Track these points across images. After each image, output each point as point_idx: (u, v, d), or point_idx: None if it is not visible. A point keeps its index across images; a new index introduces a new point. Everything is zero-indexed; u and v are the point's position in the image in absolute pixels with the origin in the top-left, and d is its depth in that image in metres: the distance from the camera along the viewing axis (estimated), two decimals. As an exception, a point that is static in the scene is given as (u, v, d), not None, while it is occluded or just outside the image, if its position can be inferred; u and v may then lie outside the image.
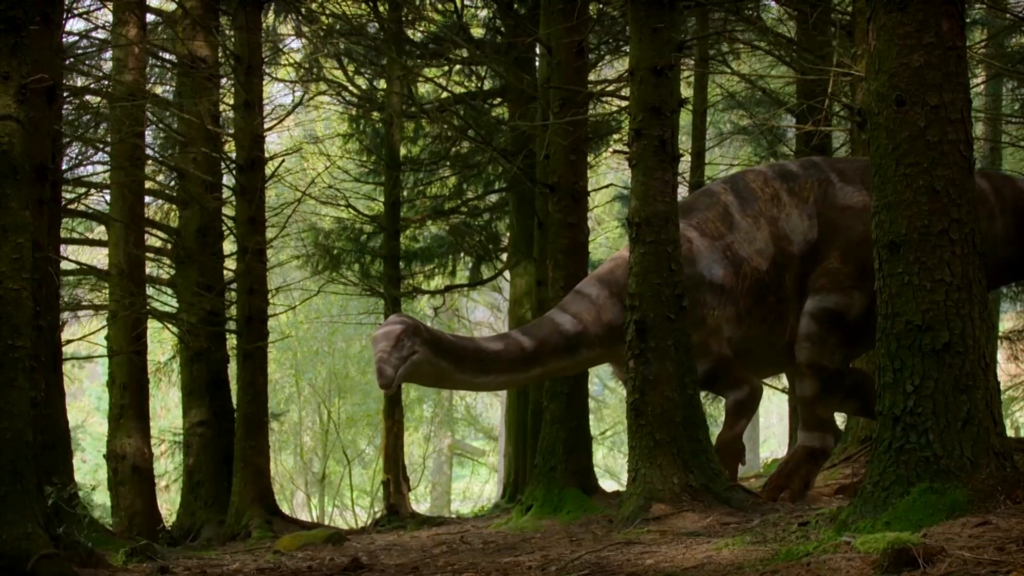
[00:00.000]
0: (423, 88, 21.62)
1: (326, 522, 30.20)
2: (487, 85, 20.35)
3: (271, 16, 19.61)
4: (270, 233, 17.39)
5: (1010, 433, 18.00)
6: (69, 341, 16.42)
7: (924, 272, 7.34)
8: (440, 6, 20.04)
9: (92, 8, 19.79)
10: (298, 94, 21.77)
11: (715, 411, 22.90)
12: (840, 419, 18.10)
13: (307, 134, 27.37)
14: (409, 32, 19.95)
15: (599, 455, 35.59)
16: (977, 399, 7.23)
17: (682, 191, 16.36)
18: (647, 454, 10.41)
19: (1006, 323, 22.74)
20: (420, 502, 35.61)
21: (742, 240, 11.16)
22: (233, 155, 17.08)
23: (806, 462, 11.42)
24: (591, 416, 16.63)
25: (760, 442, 33.08)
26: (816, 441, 11.38)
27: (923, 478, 7.19)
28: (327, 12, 19.19)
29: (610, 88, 19.26)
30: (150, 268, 19.56)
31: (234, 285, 17.27)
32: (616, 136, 19.74)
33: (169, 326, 19.53)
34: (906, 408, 7.29)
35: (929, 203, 7.36)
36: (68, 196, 18.29)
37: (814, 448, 11.41)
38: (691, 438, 10.62)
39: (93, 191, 19.83)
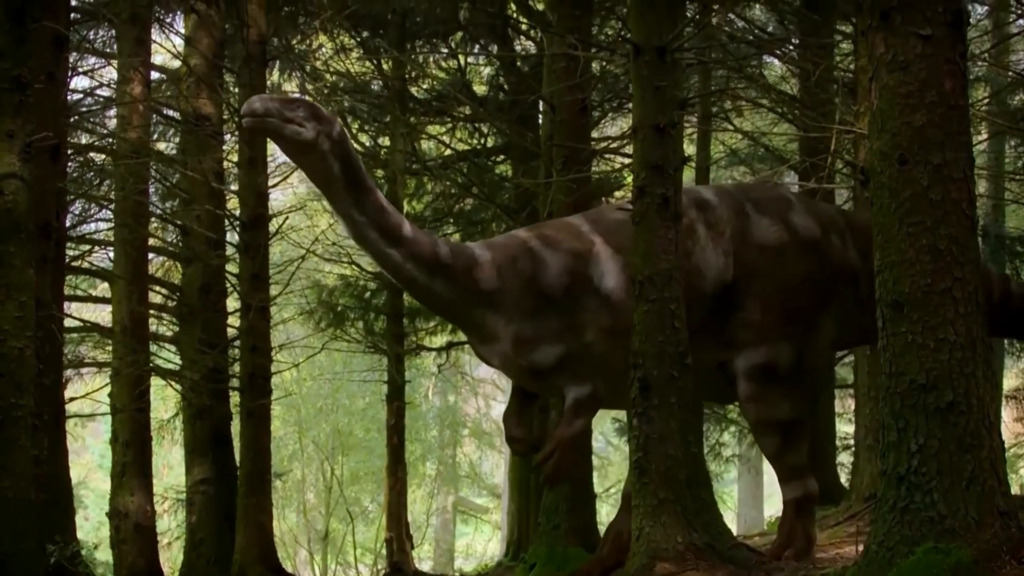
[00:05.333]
0: (426, 145, 21.67)
1: (329, 580, 30.12)
2: (490, 142, 20.40)
3: (275, 73, 19.69)
4: (274, 290, 17.37)
5: (1015, 490, 17.99)
6: (72, 399, 16.41)
7: (928, 331, 7.34)
8: (444, 64, 20.12)
9: (97, 66, 19.89)
10: (302, 151, 21.76)
11: (717, 467, 22.84)
12: (844, 478, 18.06)
13: (311, 191, 27.40)
14: (413, 90, 20.01)
15: (603, 512, 35.45)
16: (982, 458, 7.22)
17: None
18: (651, 512, 10.36)
19: (1010, 381, 22.70)
20: (423, 560, 35.48)
21: None
22: (237, 212, 17.10)
23: (799, 515, 11.28)
24: (595, 473, 16.59)
25: (764, 498, 32.92)
26: (798, 491, 11.22)
27: (928, 538, 7.17)
28: (331, 70, 19.26)
29: (613, 145, 19.29)
30: (153, 325, 19.56)
31: (237, 342, 17.24)
32: (619, 193, 19.76)
33: (172, 383, 19.50)
34: (910, 467, 7.28)
35: (932, 262, 7.36)
36: (72, 253, 18.32)
37: (798, 498, 11.26)
38: (695, 496, 10.58)
39: (97, 248, 19.85)
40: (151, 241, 18.96)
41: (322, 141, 9.99)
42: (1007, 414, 19.25)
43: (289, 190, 26.34)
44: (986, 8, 20.28)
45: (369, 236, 10.56)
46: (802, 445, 11.11)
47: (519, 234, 11.46)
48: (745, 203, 11.05)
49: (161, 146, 20.49)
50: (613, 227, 11.10)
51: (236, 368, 17.36)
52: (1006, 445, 7.91)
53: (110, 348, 18.51)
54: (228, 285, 18.15)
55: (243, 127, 10.12)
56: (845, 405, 21.20)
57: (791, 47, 17.75)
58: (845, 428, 20.50)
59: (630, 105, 13.48)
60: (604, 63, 16.46)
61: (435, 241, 10.93)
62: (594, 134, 18.42)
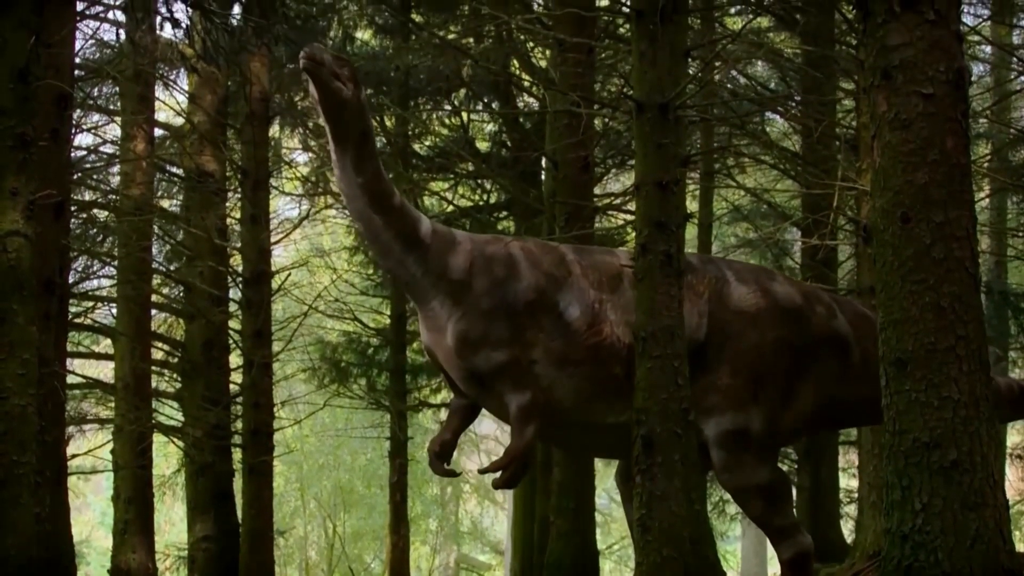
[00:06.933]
0: (429, 201, 21.71)
1: (331, 637, 30.01)
2: (493, 199, 20.41)
3: (277, 130, 19.74)
4: (276, 346, 17.39)
5: (1020, 548, 17.93)
6: (74, 455, 16.39)
7: (931, 389, 7.31)
8: (446, 120, 20.18)
9: (100, 123, 19.95)
10: (304, 207, 21.87)
11: (721, 525, 22.77)
12: (848, 533, 18.00)
13: (313, 247, 27.46)
14: (416, 146, 20.07)
15: (606, 568, 35.37)
16: (986, 517, 7.19)
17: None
18: (654, 570, 10.33)
19: (1014, 438, 22.66)
20: (426, 616, 35.41)
21: (619, 306, 10.80)
22: (240, 268, 17.13)
23: (796, 574, 11.20)
24: (597, 530, 16.55)
25: (768, 556, 32.82)
26: (790, 550, 11.07)
27: (933, 597, 7.14)
28: (334, 127, 19.26)
29: (616, 202, 19.30)
30: (155, 381, 19.56)
31: (240, 399, 17.24)
32: (622, 250, 19.76)
33: (174, 440, 19.49)
34: (914, 526, 7.25)
35: (935, 320, 7.34)
36: (75, 310, 18.33)
37: (793, 558, 11.15)
38: (698, 554, 10.55)
39: (100, 305, 19.87)
40: (154, 297, 18.98)
41: (354, 103, 10.19)
42: (1011, 472, 19.22)
43: (292, 246, 26.41)
44: (988, 65, 20.39)
45: (360, 195, 10.63)
46: (787, 505, 10.97)
47: (507, 240, 11.43)
48: (727, 271, 11.01)
49: (164, 203, 20.55)
50: (595, 264, 11.05)
51: (238, 424, 17.37)
52: (1010, 503, 7.88)
53: (112, 405, 18.52)
54: (231, 341, 18.17)
55: (302, 68, 10.33)
56: (848, 460, 21.17)
57: (793, 104, 17.78)
58: (849, 483, 20.47)
59: (632, 162, 13.51)
60: (607, 120, 16.51)
61: (420, 218, 10.89)
62: (597, 191, 18.44)
